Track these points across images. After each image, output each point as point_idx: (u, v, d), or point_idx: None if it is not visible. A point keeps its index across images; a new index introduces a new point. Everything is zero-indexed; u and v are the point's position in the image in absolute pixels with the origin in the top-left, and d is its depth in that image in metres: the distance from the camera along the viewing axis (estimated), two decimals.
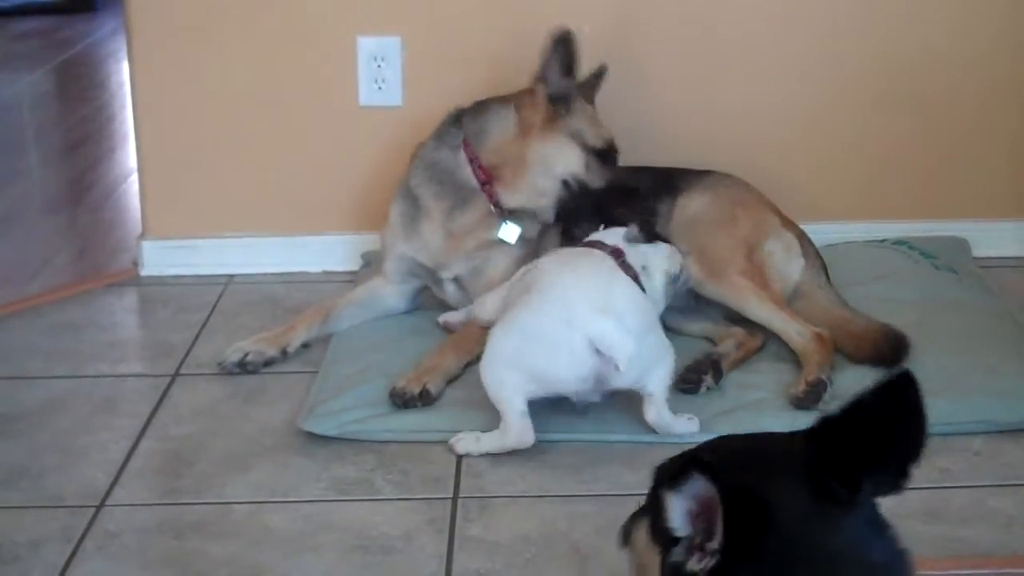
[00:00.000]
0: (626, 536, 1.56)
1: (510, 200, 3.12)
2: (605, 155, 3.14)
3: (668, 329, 3.09)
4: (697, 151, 3.48)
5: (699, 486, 1.32)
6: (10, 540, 2.40)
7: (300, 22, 3.48)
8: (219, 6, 3.48)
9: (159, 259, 3.61)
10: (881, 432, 1.38)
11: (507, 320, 2.65)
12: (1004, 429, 2.70)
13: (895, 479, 1.39)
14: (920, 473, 1.42)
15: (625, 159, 3.34)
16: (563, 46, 3.07)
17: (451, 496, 2.52)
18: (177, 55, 3.49)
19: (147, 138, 3.58)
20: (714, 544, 1.33)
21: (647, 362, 2.60)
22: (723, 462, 1.38)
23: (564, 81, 3.09)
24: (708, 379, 2.86)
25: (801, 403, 2.77)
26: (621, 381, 2.60)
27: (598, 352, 2.55)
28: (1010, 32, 3.55)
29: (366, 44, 3.50)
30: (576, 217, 3.11)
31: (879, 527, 1.39)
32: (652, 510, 1.44)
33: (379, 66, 3.50)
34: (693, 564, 1.35)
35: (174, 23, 3.48)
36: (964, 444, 2.65)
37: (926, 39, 3.54)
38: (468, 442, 2.67)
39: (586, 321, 2.55)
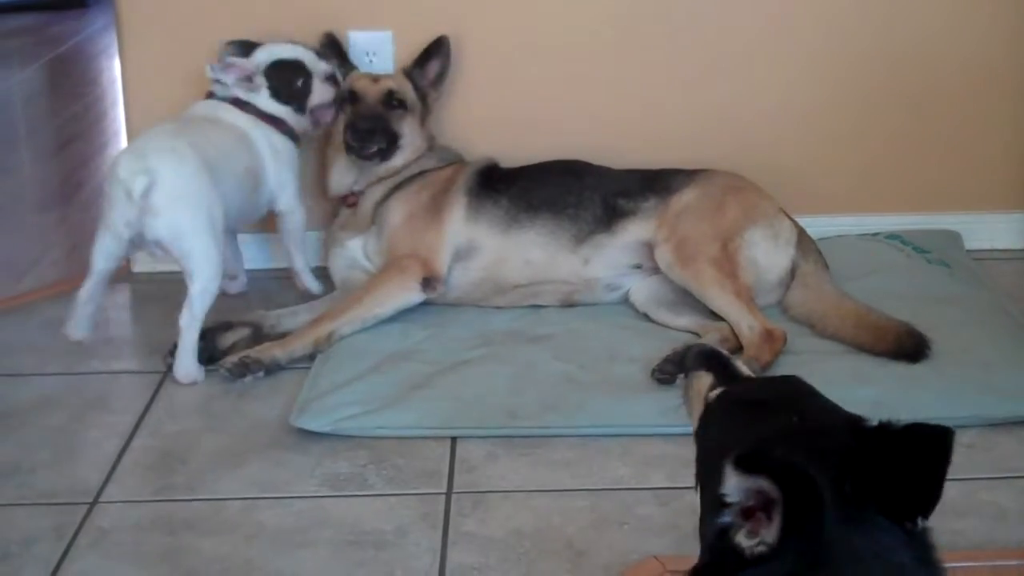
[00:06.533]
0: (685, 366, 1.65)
1: None
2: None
3: (655, 323, 3.11)
4: (689, 146, 3.48)
5: (764, 484, 1.33)
6: (3, 537, 2.40)
7: (291, 16, 3.48)
8: (209, 2, 3.47)
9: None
10: (903, 475, 1.41)
11: None
12: (996, 422, 2.71)
13: (899, 515, 1.40)
14: None
15: (617, 158, 3.34)
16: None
17: (445, 491, 2.52)
18: (168, 51, 3.48)
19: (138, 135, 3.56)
20: (769, 538, 1.35)
21: (180, 220, 2.88)
22: (791, 442, 1.40)
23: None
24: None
25: None
26: (154, 227, 2.87)
27: (129, 195, 2.83)
28: (1002, 26, 3.55)
29: (358, 38, 3.50)
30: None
31: (910, 536, 1.40)
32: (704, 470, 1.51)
33: (371, 60, 3.49)
34: (743, 539, 1.36)
35: (165, 19, 3.47)
36: (956, 437, 2.58)
37: (919, 33, 3.54)
38: None
39: (116, 163, 2.90)
